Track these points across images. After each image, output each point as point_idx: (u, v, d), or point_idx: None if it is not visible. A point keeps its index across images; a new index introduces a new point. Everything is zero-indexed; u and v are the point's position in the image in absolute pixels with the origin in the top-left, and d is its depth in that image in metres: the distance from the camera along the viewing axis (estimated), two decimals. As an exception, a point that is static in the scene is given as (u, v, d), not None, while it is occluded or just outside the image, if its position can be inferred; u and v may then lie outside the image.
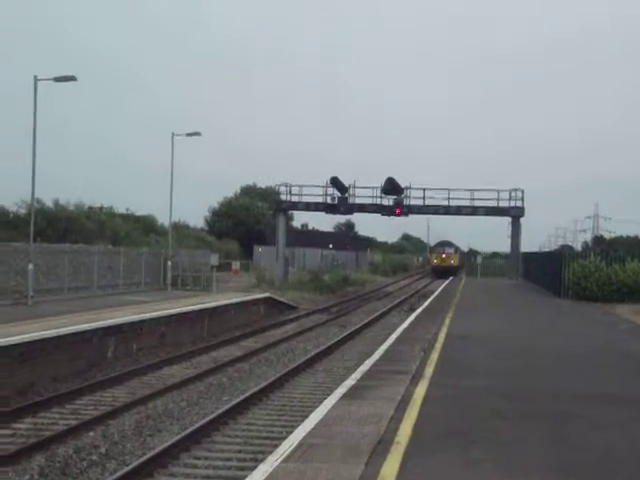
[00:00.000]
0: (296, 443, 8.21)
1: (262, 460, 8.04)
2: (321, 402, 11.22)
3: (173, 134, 37.91)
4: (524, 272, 58.97)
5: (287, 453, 7.84)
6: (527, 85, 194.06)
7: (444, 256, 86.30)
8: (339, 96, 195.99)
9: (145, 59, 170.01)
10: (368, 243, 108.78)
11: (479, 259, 69.61)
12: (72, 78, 26.74)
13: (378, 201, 54.62)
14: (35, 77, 26.81)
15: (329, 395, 11.62)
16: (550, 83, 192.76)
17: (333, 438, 8.50)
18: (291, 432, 9.34)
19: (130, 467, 11.18)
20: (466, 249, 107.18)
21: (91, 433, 13.65)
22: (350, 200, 54.65)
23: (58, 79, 26.76)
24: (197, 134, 38.37)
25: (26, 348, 17.48)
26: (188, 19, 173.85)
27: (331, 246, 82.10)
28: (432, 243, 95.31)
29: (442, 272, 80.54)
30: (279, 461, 7.54)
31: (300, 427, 9.11)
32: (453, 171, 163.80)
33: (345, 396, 11.04)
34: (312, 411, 10.48)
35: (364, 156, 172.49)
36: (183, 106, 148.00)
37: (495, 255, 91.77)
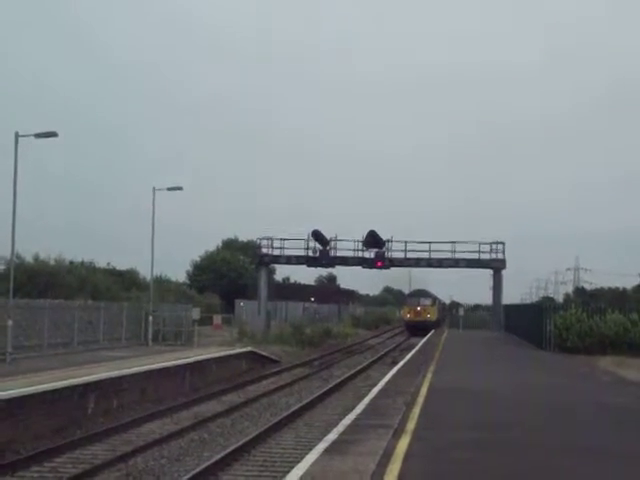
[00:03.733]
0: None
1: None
2: (303, 457, 11.14)
3: (154, 188, 37.95)
4: (506, 324, 59.10)
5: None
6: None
7: (419, 309, 70.96)
8: (317, 150, 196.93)
9: (128, 113, 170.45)
10: (350, 296, 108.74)
11: (461, 311, 69.62)
12: (53, 134, 26.82)
13: (360, 254, 54.89)
14: (16, 133, 26.86)
15: (311, 450, 11.55)
16: (547, 151, 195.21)
17: (315, 494, 8.45)
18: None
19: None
20: (448, 301, 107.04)
21: (70, 492, 13.46)
22: (332, 253, 54.87)
23: (39, 135, 26.82)
24: (178, 188, 38.47)
25: (4, 405, 17.29)
26: (172, 76, 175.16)
27: (313, 299, 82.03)
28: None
29: (417, 328, 67.23)
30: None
31: (283, 483, 9.04)
32: (435, 221, 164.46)
33: (327, 451, 10.98)
34: (294, 466, 10.40)
35: (345, 208, 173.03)
36: (164, 159, 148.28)
37: (477, 307, 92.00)
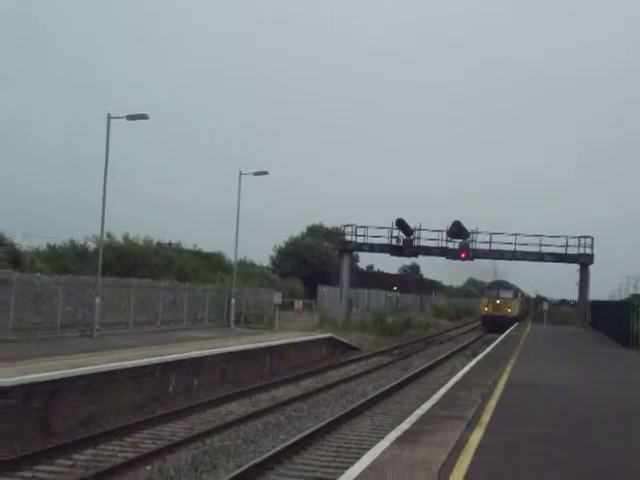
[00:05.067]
0: (347, 485, 8.25)
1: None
2: (375, 445, 11.21)
3: (240, 172, 38.45)
4: (592, 321, 57.89)
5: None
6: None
7: (498, 302, 64.14)
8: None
9: (207, 103, 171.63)
10: (433, 286, 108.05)
11: (545, 306, 68.04)
12: (144, 116, 27.36)
13: (443, 244, 54.47)
14: (108, 115, 27.56)
15: (383, 438, 11.61)
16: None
17: (383, 481, 8.52)
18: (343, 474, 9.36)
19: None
20: (534, 295, 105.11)
21: (148, 467, 13.84)
22: (415, 242, 54.58)
23: (131, 117, 27.41)
24: (265, 173, 38.83)
25: (90, 379, 17.83)
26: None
27: (395, 288, 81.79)
28: None
29: (495, 324, 60.71)
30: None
31: (350, 470, 9.13)
32: (519, 212, 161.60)
33: (399, 440, 11.03)
34: (365, 453, 10.49)
35: (428, 196, 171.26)
36: (247, 148, 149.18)
37: (563, 302, 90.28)
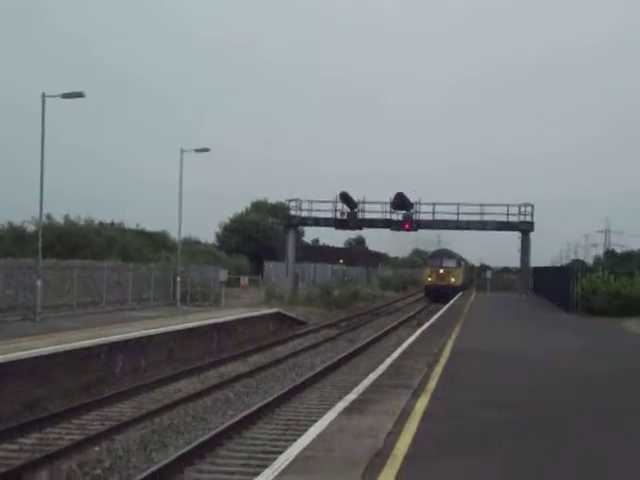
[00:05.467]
0: (293, 456, 8.29)
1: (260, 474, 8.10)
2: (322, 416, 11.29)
3: (182, 150, 38.05)
4: (534, 287, 58.90)
5: (284, 466, 7.92)
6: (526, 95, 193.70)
7: (441, 271, 62.70)
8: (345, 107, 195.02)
9: (154, 71, 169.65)
10: (379, 258, 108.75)
11: (488, 274, 69.00)
12: (80, 94, 26.91)
13: (387, 216, 54.80)
14: (43, 94, 26.99)
15: (327, 409, 11.70)
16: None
17: (331, 451, 8.59)
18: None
19: (133, 481, 11.28)
20: (478, 264, 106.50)
21: (96, 448, 13.76)
22: (359, 215, 54.84)
23: (66, 95, 26.94)
24: (206, 150, 38.46)
25: (33, 363, 17.62)
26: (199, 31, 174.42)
27: (341, 261, 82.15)
28: None
29: (438, 294, 59.03)
30: (275, 474, 7.62)
31: (298, 441, 9.19)
32: (461, 184, 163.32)
33: (346, 410, 11.12)
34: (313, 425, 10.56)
35: (373, 170, 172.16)
36: (190, 121, 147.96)
37: (507, 270, 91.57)
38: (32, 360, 17.61)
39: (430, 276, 63.61)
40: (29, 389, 17.36)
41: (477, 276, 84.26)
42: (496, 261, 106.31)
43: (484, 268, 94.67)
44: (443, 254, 66.01)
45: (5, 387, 16.54)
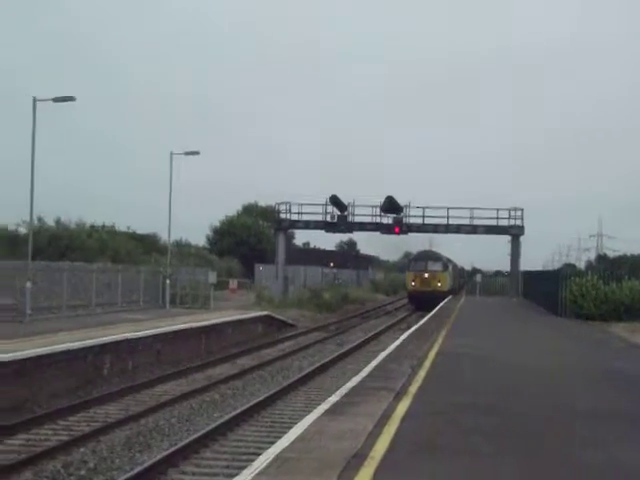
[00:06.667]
0: (272, 457, 8.41)
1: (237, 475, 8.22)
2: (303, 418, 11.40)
3: (172, 153, 38.21)
4: (524, 290, 59.08)
5: (262, 467, 8.03)
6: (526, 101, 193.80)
7: (426, 276, 56.61)
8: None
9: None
10: (369, 261, 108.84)
11: (478, 278, 68.97)
12: (71, 98, 27.05)
13: (378, 219, 54.99)
14: (34, 98, 27.13)
15: (311, 412, 11.82)
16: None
17: (309, 452, 8.70)
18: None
19: (116, 482, 11.37)
20: (469, 268, 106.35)
21: (82, 449, 13.84)
22: (350, 218, 55.02)
23: (57, 99, 27.07)
24: (196, 153, 38.65)
25: (20, 365, 17.68)
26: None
27: (332, 264, 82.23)
28: None
29: (424, 301, 52.49)
30: (253, 475, 7.73)
31: (277, 443, 9.30)
32: (453, 186, 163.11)
33: (327, 412, 11.24)
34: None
35: (362, 173, 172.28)
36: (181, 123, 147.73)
37: (498, 273, 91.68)
38: (18, 362, 17.65)
39: (414, 281, 57.45)
40: (14, 391, 17.40)
41: (468, 280, 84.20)
42: (488, 264, 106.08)
43: (475, 272, 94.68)
44: (427, 256, 59.77)
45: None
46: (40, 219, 48.23)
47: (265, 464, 8.15)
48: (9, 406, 17.03)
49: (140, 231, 67.30)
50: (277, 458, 8.41)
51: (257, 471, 7.86)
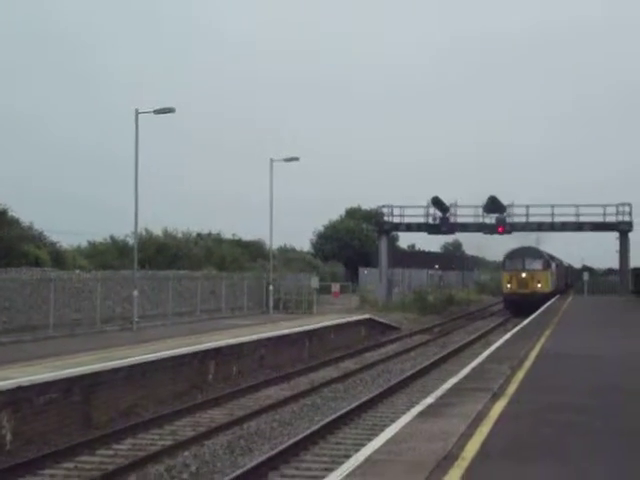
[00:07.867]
0: (361, 459, 8.48)
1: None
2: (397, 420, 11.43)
3: (272, 160, 38.64)
4: (634, 288, 57.30)
5: (351, 469, 8.11)
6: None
7: (524, 275, 50.77)
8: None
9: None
10: (475, 262, 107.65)
11: (585, 276, 66.98)
12: (171, 110, 27.71)
13: (480, 220, 54.37)
14: (136, 110, 27.87)
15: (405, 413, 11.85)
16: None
17: (400, 454, 8.75)
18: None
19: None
20: (579, 266, 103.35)
21: (185, 453, 14.22)
22: (452, 219, 54.56)
23: (158, 111, 27.72)
24: (295, 159, 39.00)
25: (128, 371, 18.28)
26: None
27: (437, 266, 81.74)
28: None
29: (521, 305, 47.59)
30: (342, 476, 7.83)
31: (368, 445, 9.38)
32: (557, 185, 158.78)
33: (421, 414, 11.25)
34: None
35: (464, 172, 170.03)
36: (278, 131, 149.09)
37: (610, 271, 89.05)
38: (127, 369, 18.26)
39: (509, 282, 51.63)
40: (124, 396, 17.99)
41: (576, 279, 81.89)
42: (600, 261, 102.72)
43: (585, 270, 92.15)
44: (525, 253, 53.16)
45: (100, 395, 17.20)
46: (148, 230, 49.66)
47: (354, 466, 8.22)
48: (118, 412, 17.62)
49: (246, 238, 68.46)
50: (367, 460, 8.48)
51: (345, 473, 7.93)
